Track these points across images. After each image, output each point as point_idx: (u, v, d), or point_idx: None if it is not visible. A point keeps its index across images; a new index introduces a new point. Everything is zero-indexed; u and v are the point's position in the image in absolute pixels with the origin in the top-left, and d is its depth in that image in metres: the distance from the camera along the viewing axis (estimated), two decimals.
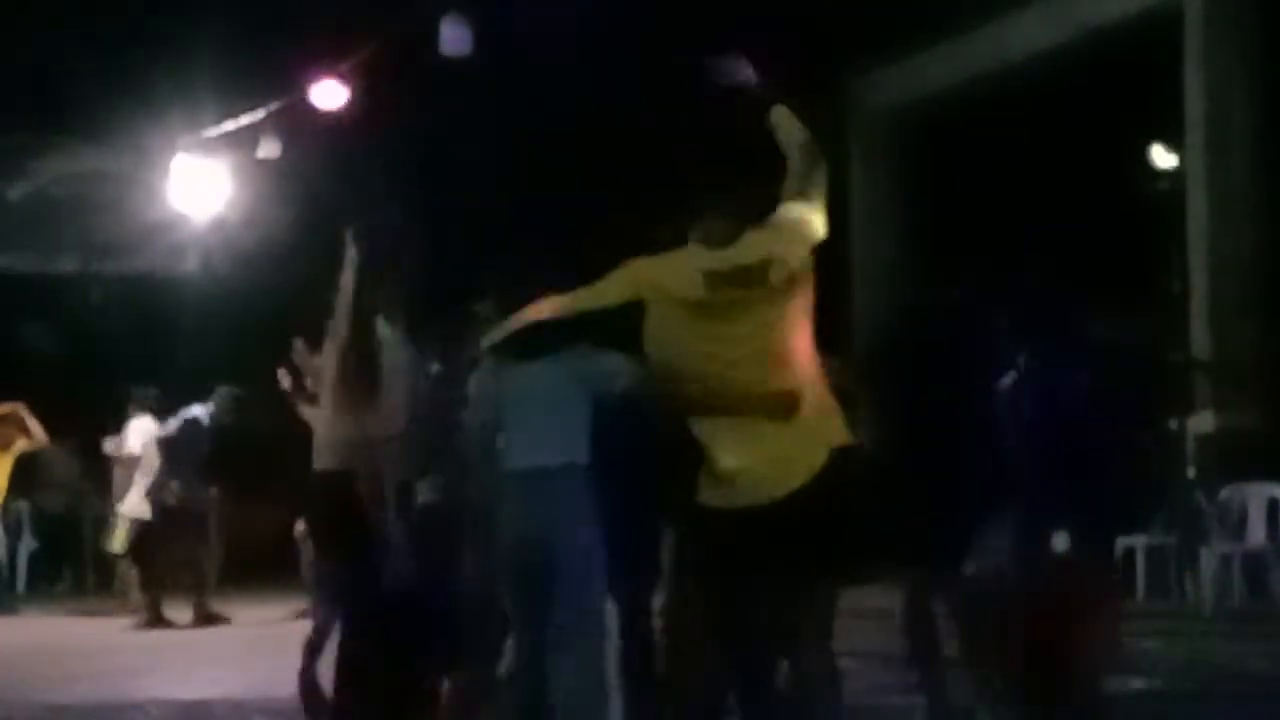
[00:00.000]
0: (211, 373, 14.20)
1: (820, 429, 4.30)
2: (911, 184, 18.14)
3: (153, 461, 13.82)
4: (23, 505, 16.95)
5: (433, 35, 14.32)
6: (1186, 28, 14.49)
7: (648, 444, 4.86)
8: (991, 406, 6.59)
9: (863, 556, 4.40)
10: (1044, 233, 13.26)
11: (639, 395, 4.79)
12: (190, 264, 18.67)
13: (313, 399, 6.31)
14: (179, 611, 13.16)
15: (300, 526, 12.54)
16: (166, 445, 13.32)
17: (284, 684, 7.16)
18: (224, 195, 17.52)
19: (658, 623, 5.61)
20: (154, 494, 13.38)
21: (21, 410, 14.61)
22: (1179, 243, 14.84)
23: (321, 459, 5.71)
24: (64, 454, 17.47)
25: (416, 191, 13.74)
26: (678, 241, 4.48)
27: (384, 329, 5.71)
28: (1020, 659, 6.50)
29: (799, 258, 4.39)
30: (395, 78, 15.22)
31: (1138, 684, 7.75)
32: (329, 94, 15.50)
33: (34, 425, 14.68)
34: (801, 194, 4.49)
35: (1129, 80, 14.80)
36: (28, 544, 16.94)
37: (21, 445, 14.79)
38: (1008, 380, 6.56)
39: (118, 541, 14.06)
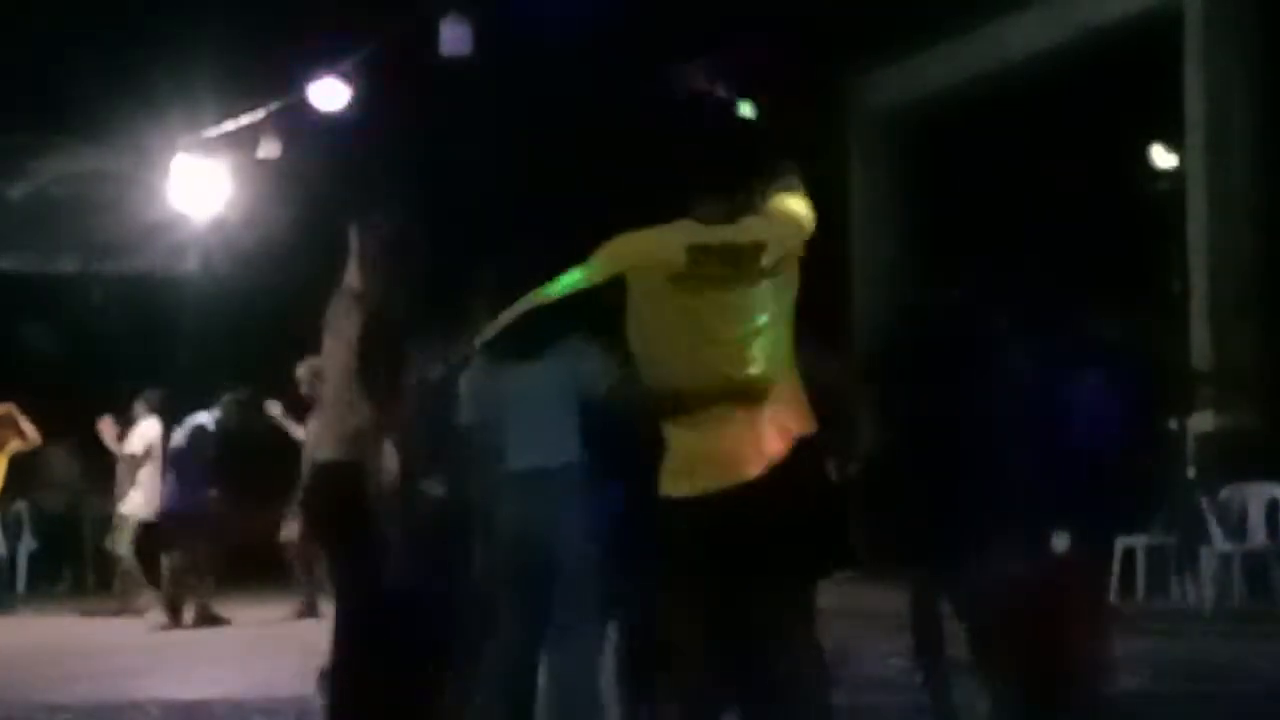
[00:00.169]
0: (211, 373, 14.22)
1: (783, 418, 4.29)
2: (911, 184, 18.13)
3: (157, 463, 13.87)
4: (22, 505, 16.95)
5: (433, 35, 14.31)
6: (1186, 28, 14.49)
7: (634, 442, 4.85)
8: (992, 406, 6.59)
9: (823, 548, 4.37)
10: (1044, 233, 13.27)
11: (623, 393, 4.78)
12: (190, 264, 18.67)
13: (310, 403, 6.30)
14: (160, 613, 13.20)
15: (289, 526, 12.56)
16: (176, 457, 13.37)
17: (284, 684, 7.17)
18: (224, 195, 17.52)
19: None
20: (166, 502, 13.46)
21: (13, 411, 14.62)
22: (1179, 243, 14.83)
23: (324, 451, 5.67)
24: (64, 454, 17.48)
25: (416, 191, 13.73)
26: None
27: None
28: (1019, 658, 6.51)
29: (790, 247, 4.38)
30: (395, 78, 15.22)
31: (1138, 684, 7.74)
32: (329, 94, 15.50)
33: (27, 425, 14.68)
34: (786, 186, 4.50)
35: (1129, 80, 14.80)
36: (28, 544, 16.94)
37: (15, 445, 14.80)
38: (1008, 380, 6.56)
39: (122, 542, 14.07)
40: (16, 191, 18.25)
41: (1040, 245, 12.50)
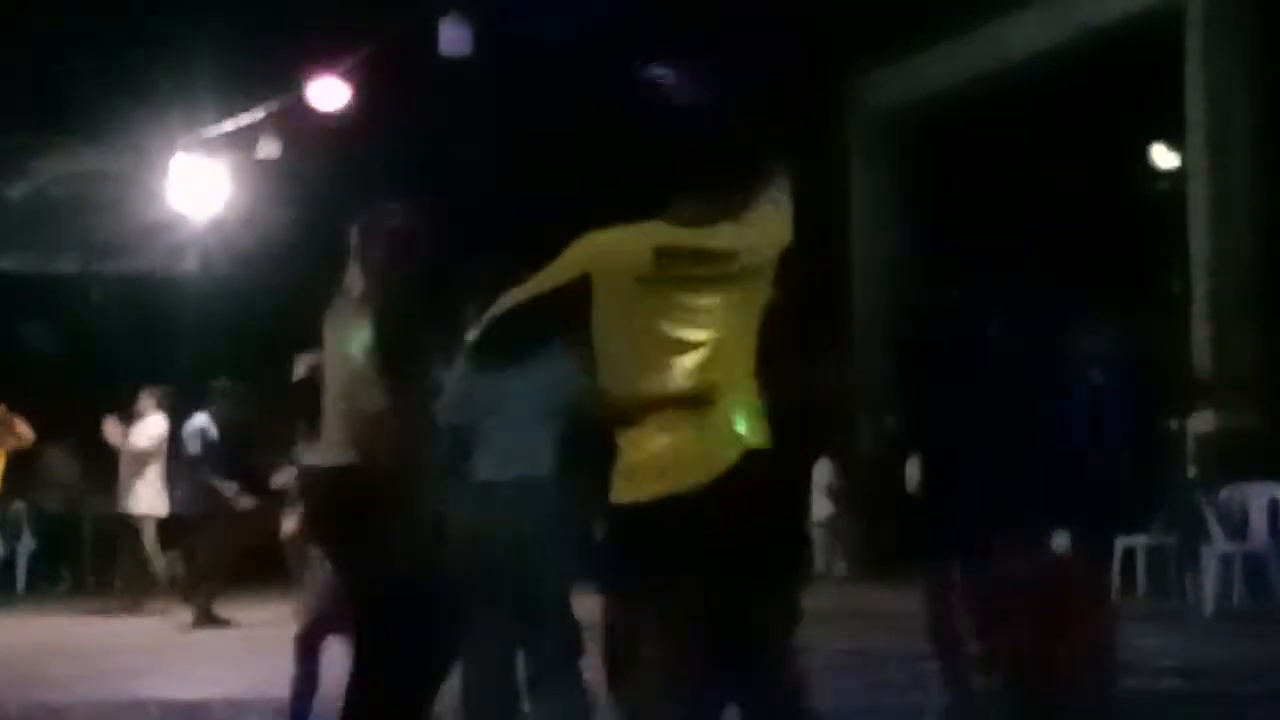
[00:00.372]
0: (212, 373, 14.21)
1: (733, 428, 4.26)
2: (911, 184, 18.15)
3: (163, 459, 13.91)
4: (22, 505, 16.96)
5: (433, 35, 14.32)
6: (1187, 28, 14.50)
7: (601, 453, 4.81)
8: (991, 406, 6.59)
9: (770, 559, 4.34)
10: (1044, 233, 13.26)
11: (588, 404, 4.73)
12: (190, 264, 18.68)
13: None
14: (183, 612, 13.18)
15: (289, 526, 12.54)
16: (188, 458, 13.41)
17: (284, 684, 7.14)
18: (224, 195, 17.54)
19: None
20: (181, 503, 13.49)
21: (5, 412, 14.63)
22: (1179, 243, 14.84)
23: (332, 453, 5.63)
24: (64, 454, 17.51)
25: (416, 191, 13.72)
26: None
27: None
28: (1020, 658, 6.51)
29: (764, 256, 4.35)
30: (395, 78, 15.23)
31: (1138, 684, 7.74)
32: (329, 94, 15.51)
33: (21, 425, 14.69)
34: (770, 197, 4.47)
35: (1129, 80, 14.80)
36: (28, 544, 16.95)
37: (11, 443, 14.80)
38: (1008, 380, 6.56)
39: (148, 541, 14.11)
40: (16, 191, 18.27)
41: (1040, 245, 12.49)
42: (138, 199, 17.90)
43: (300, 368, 6.73)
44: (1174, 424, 13.68)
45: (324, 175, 15.53)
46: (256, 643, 11.49)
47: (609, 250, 4.30)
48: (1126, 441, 6.94)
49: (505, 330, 4.46)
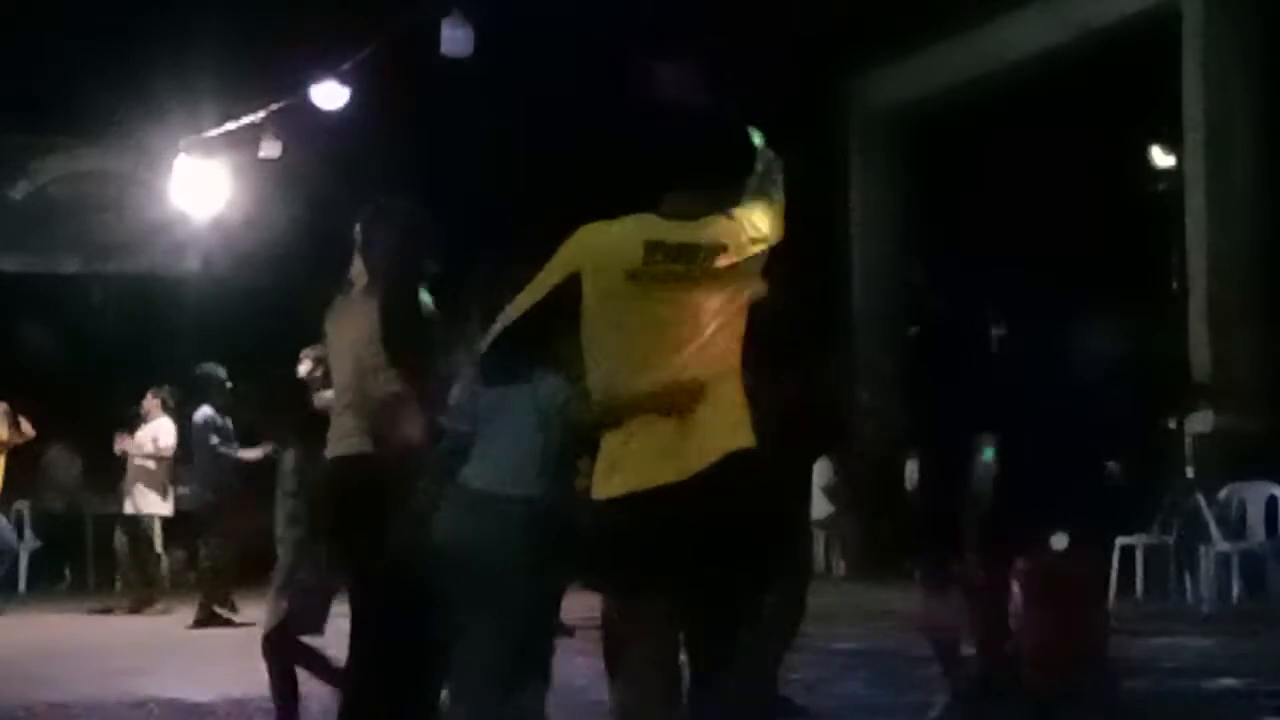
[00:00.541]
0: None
1: (717, 428, 4.25)
2: (911, 184, 18.15)
3: (170, 462, 13.93)
4: (23, 505, 16.97)
5: (433, 35, 14.32)
6: (1186, 28, 14.50)
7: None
8: (990, 406, 6.61)
9: (746, 557, 4.33)
10: (1044, 233, 13.27)
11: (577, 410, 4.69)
12: (190, 264, 18.69)
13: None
14: (185, 612, 13.21)
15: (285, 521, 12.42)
16: (207, 451, 13.43)
17: None
18: (224, 195, 17.55)
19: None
20: (192, 499, 13.51)
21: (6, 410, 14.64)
22: (1179, 243, 14.84)
23: (345, 445, 5.61)
24: (64, 454, 17.51)
25: (416, 191, 13.72)
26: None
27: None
28: (1020, 657, 6.53)
29: (746, 252, 4.34)
30: (395, 78, 15.23)
31: (1138, 684, 7.75)
32: (329, 94, 15.52)
33: (23, 424, 14.70)
34: (762, 192, 4.47)
35: (1129, 80, 14.81)
36: (28, 544, 16.96)
37: (12, 439, 14.81)
38: (1007, 380, 6.58)
39: (156, 542, 14.11)
40: (16, 191, 18.27)
41: (1040, 245, 12.51)
42: (139, 199, 17.92)
43: (305, 363, 6.73)
44: (1172, 424, 13.70)
45: (325, 175, 15.53)
46: (256, 643, 11.48)
47: (600, 244, 4.31)
48: (1125, 441, 6.96)
49: (511, 344, 4.48)
